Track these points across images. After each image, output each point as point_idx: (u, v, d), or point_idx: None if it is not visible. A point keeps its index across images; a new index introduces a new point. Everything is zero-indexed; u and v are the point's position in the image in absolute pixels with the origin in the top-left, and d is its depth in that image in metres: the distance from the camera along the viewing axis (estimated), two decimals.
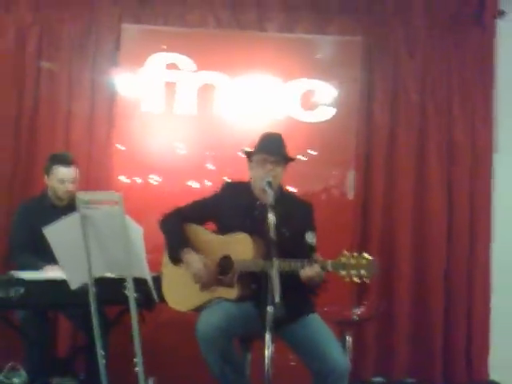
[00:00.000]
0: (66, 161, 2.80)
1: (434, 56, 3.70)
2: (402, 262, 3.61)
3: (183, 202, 2.56)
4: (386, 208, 3.64)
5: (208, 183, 3.58)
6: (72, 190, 2.80)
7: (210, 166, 3.61)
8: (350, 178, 3.67)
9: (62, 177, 2.77)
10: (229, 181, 2.52)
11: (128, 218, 1.97)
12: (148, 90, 3.49)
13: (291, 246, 2.19)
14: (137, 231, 2.01)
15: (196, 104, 3.52)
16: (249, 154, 2.43)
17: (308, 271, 2.09)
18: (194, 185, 3.60)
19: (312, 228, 2.31)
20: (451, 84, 3.70)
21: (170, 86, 3.50)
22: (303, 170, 3.47)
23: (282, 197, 2.37)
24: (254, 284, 2.25)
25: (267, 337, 1.95)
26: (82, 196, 2.05)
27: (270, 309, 1.92)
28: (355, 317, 2.97)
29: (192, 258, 2.32)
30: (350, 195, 3.66)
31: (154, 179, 3.57)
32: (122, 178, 3.48)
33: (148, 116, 3.49)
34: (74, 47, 3.47)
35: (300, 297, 2.29)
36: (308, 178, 3.55)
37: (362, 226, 3.61)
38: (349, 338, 2.78)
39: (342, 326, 2.81)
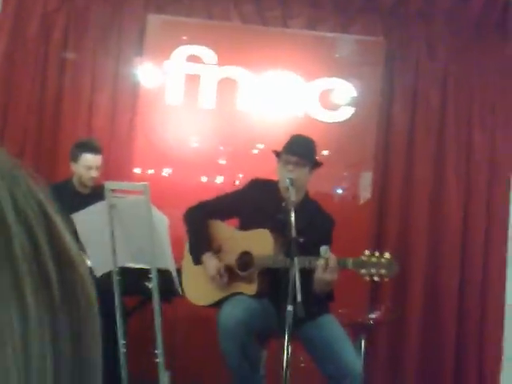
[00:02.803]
0: (93, 148, 2.86)
1: (455, 60, 3.75)
2: (416, 267, 3.64)
3: (195, 196, 2.60)
4: (403, 212, 3.67)
5: (220, 178, 3.62)
6: (96, 177, 2.83)
7: (222, 161, 3.66)
8: (365, 180, 3.71)
9: (90, 163, 2.83)
10: (256, 179, 2.54)
11: (153, 208, 2.01)
12: (170, 81, 3.54)
13: (303, 254, 2.19)
14: (162, 221, 2.07)
15: (215, 98, 3.57)
16: (277, 154, 2.46)
17: (323, 274, 2.09)
18: (206, 179, 3.64)
19: (328, 242, 2.30)
20: (472, 89, 3.75)
21: (192, 78, 3.55)
22: (317, 170, 3.46)
23: (306, 204, 2.41)
24: (273, 281, 2.29)
25: (286, 336, 1.98)
26: (109, 185, 2.11)
27: (290, 308, 1.94)
28: (370, 321, 2.98)
29: (210, 264, 2.37)
30: (364, 197, 3.70)
31: (167, 172, 3.62)
32: (137, 170, 3.54)
33: (168, 108, 3.54)
34: (99, 36, 3.52)
35: (316, 296, 2.33)
36: (322, 179, 3.46)
37: (377, 228, 3.64)
38: (363, 342, 2.79)
39: (356, 330, 2.83)
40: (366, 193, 3.68)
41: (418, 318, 3.61)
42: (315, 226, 2.32)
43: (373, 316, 3.04)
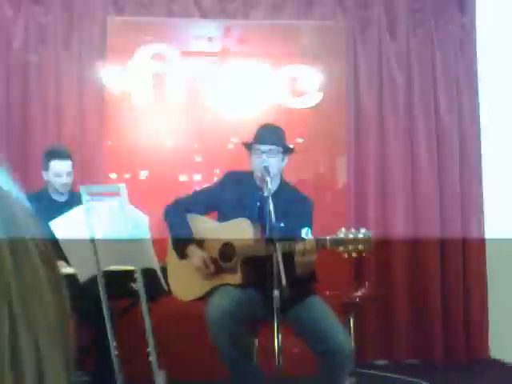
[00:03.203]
0: (61, 154, 2.86)
1: (416, 37, 3.81)
2: (396, 241, 3.71)
3: (174, 196, 2.61)
4: (378, 190, 3.73)
5: (197, 176, 3.64)
6: (68, 183, 2.84)
7: (198, 158, 3.67)
8: (341, 163, 3.77)
9: (59, 170, 2.82)
10: (230, 171, 2.57)
11: (133, 208, 2.03)
12: (136, 82, 3.53)
13: (286, 240, 2.24)
14: (142, 220, 2.07)
15: (184, 95, 3.58)
16: (247, 146, 2.48)
17: (302, 257, 2.11)
18: (184, 178, 3.65)
19: (309, 224, 2.33)
20: (435, 65, 3.81)
21: (158, 77, 3.55)
22: (292, 157, 3.49)
23: (282, 189, 2.44)
24: (257, 268, 2.31)
25: (276, 321, 2.02)
26: (85, 188, 2.11)
27: (276, 293, 1.98)
28: (357, 299, 3.04)
29: (195, 255, 2.39)
30: (342, 180, 3.76)
31: (144, 175, 3.62)
32: (113, 176, 3.54)
33: (137, 109, 3.54)
34: (60, 41, 3.50)
35: (300, 279, 2.36)
36: (298, 166, 3.58)
37: (355, 213, 3.70)
38: (352, 320, 2.85)
39: (344, 308, 2.89)
40: (343, 176, 3.74)
41: (404, 293, 3.70)
42: (294, 209, 2.35)
43: (358, 294, 3.10)
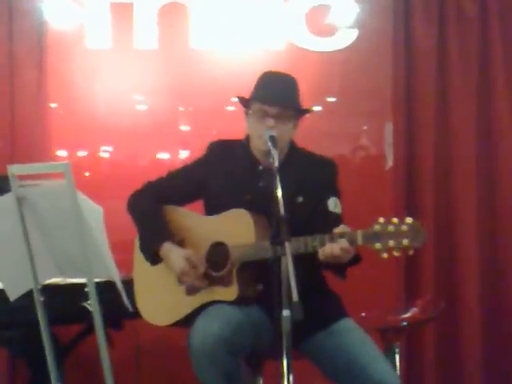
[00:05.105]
0: None
1: None
2: (466, 245, 3.73)
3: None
4: (440, 174, 3.75)
5: (183, 152, 3.67)
6: None
7: (184, 127, 3.68)
8: (387, 134, 3.76)
9: None
10: (216, 140, 2.57)
11: (81, 195, 2.01)
12: (90, 17, 3.55)
13: (308, 217, 2.29)
14: (96, 213, 2.04)
15: (158, 35, 3.58)
16: (244, 103, 2.46)
17: (329, 248, 2.13)
18: (163, 156, 3.67)
19: (335, 193, 2.40)
20: None
21: (121, 8, 3.57)
22: (317, 125, 3.55)
23: (294, 154, 2.46)
24: (260, 278, 2.32)
25: (285, 353, 2.02)
26: (13, 169, 2.07)
27: (285, 313, 1.97)
28: (404, 322, 3.03)
29: (174, 255, 2.39)
30: (389, 158, 3.76)
31: (106, 151, 3.64)
32: (62, 153, 3.56)
33: (93, 56, 3.54)
34: None
35: (325, 294, 2.37)
36: (325, 136, 3.63)
37: (407, 199, 3.71)
38: (397, 351, 2.85)
39: (386, 335, 2.89)
40: (389, 150, 3.75)
41: (475, 311, 3.69)
42: (313, 177, 2.39)
43: (408, 315, 3.11)
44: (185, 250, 2.39)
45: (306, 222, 2.26)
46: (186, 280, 2.38)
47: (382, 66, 3.72)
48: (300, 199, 2.33)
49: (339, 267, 2.23)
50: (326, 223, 2.25)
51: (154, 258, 2.43)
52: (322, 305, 2.31)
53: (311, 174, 2.41)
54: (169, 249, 2.39)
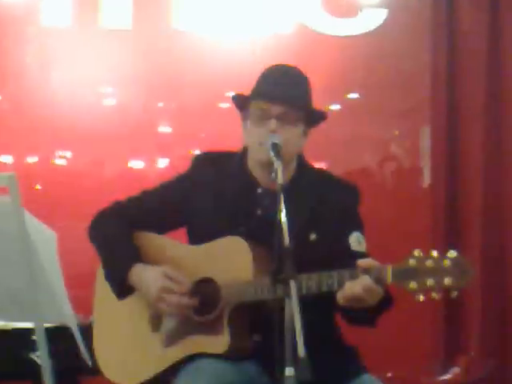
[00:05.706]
0: None
1: None
2: None
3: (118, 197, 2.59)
4: (491, 194, 3.68)
5: (162, 161, 3.64)
6: None
7: (164, 129, 3.65)
8: (424, 141, 3.71)
9: None
10: (204, 153, 2.52)
11: (29, 216, 1.99)
12: None
13: (324, 259, 2.19)
14: (47, 239, 2.07)
15: (132, 12, 3.51)
16: (240, 103, 2.40)
17: (349, 288, 2.07)
18: (137, 165, 3.65)
19: (358, 226, 2.34)
20: None
21: None
22: (334, 129, 3.47)
23: (304, 175, 2.43)
24: (256, 326, 2.27)
25: None
26: None
27: (289, 371, 1.89)
28: None
29: (148, 274, 2.31)
30: (426, 172, 3.72)
31: (63, 156, 3.60)
32: (6, 159, 3.50)
33: (50, 36, 3.50)
34: None
35: (339, 346, 2.31)
36: (345, 144, 3.60)
37: (449, 226, 3.66)
38: None
39: None
40: (426, 162, 3.69)
41: None
42: (329, 208, 2.31)
43: (449, 375, 3.11)
44: (162, 266, 2.32)
45: (320, 266, 2.17)
46: (169, 300, 2.27)
47: (417, 55, 3.69)
48: (313, 236, 2.26)
49: (365, 314, 2.16)
50: (347, 267, 2.19)
51: (121, 287, 2.35)
52: (335, 359, 2.23)
53: (327, 203, 2.34)
54: (141, 269, 2.31)
